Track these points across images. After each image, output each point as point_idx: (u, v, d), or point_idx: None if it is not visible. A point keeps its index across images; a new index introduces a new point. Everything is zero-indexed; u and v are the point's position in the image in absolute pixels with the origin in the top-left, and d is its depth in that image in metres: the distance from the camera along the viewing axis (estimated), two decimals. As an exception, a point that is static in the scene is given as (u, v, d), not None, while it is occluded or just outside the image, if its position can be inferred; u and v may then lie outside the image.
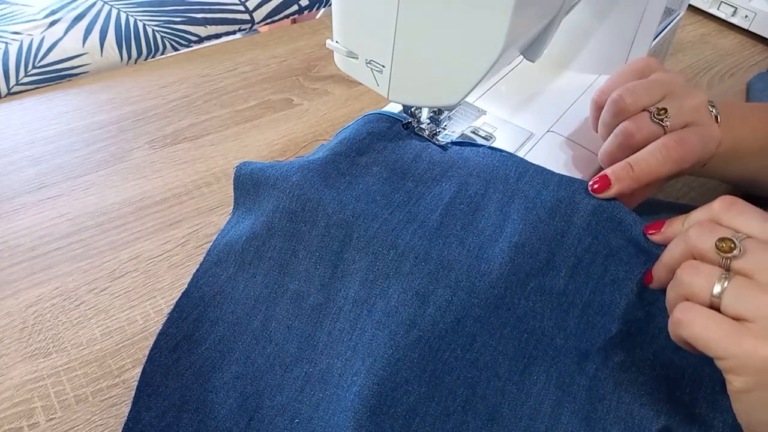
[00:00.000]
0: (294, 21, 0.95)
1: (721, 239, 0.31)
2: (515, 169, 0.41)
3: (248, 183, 0.45)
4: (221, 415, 0.38)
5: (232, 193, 0.48)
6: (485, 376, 0.35)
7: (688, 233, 0.33)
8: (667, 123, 0.40)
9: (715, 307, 0.30)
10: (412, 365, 0.36)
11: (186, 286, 0.44)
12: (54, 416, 0.39)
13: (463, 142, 0.45)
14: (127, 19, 0.75)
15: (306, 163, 0.43)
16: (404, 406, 0.35)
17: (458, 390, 0.36)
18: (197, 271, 0.44)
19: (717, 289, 0.30)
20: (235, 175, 0.46)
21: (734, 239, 0.31)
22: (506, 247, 0.37)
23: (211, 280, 0.43)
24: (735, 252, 0.30)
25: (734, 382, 0.29)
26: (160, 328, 0.41)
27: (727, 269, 0.30)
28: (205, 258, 0.45)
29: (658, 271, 0.36)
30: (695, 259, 0.32)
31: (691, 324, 0.30)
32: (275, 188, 0.42)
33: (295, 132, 0.62)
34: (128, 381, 0.40)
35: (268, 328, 0.41)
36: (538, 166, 0.42)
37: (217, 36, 0.81)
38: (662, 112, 0.40)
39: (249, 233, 0.43)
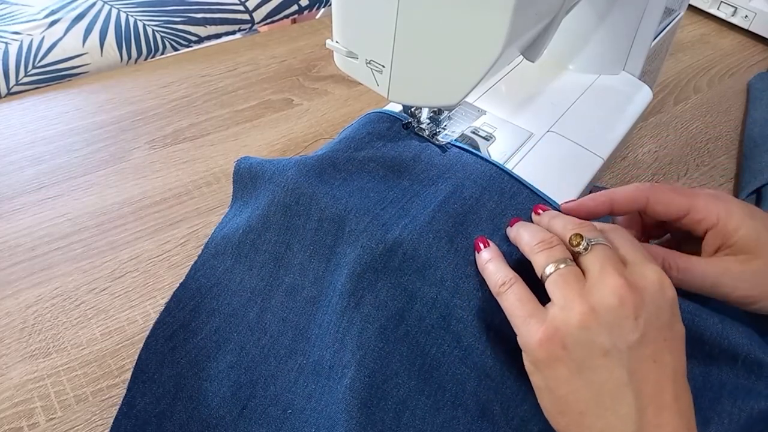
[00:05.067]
0: (294, 21, 0.95)
1: (576, 234, 0.33)
2: (511, 186, 0.41)
3: (246, 177, 0.46)
4: (215, 403, 0.38)
5: (232, 191, 0.48)
6: (476, 374, 0.35)
7: (559, 221, 0.36)
8: None
9: (543, 282, 0.32)
10: (401, 358, 0.36)
11: (184, 277, 0.44)
12: (54, 416, 0.39)
13: (464, 148, 0.45)
14: (127, 19, 0.75)
15: (303, 159, 0.43)
16: (395, 399, 0.35)
17: (447, 386, 0.36)
18: (195, 262, 0.45)
19: (549, 268, 0.32)
20: (234, 169, 0.47)
21: (586, 238, 0.33)
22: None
23: (209, 272, 0.44)
24: (580, 248, 0.32)
25: (524, 360, 0.32)
26: (158, 316, 0.42)
27: (578, 264, 0.33)
28: (203, 250, 0.45)
29: (518, 236, 0.36)
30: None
31: (506, 295, 0.33)
32: (271, 182, 0.43)
33: (295, 132, 0.62)
34: (128, 381, 0.40)
35: (263, 320, 0.41)
36: (533, 190, 0.42)
37: (217, 36, 0.81)
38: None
39: (246, 226, 0.43)
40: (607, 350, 0.29)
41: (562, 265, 0.32)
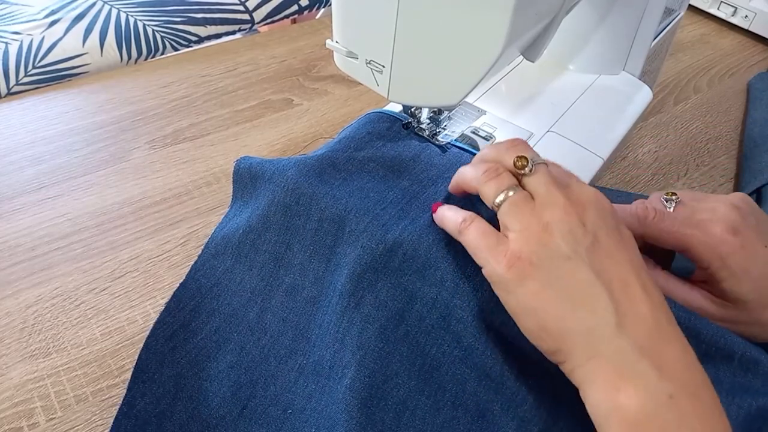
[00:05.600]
0: (294, 21, 0.95)
1: (519, 157, 0.34)
2: None
3: (246, 177, 0.46)
4: (215, 403, 0.38)
5: (232, 191, 0.48)
6: (476, 374, 0.35)
7: (497, 149, 0.36)
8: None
9: (496, 211, 0.34)
10: (401, 358, 0.36)
11: (184, 277, 0.44)
12: (54, 416, 0.39)
13: (464, 148, 0.45)
14: (127, 19, 0.75)
15: (303, 159, 0.43)
16: (395, 399, 0.35)
17: (447, 386, 0.36)
18: (195, 262, 0.45)
19: (499, 198, 0.33)
20: (234, 169, 0.47)
21: (530, 160, 0.34)
22: None
23: (209, 272, 0.44)
24: (526, 170, 0.34)
25: (495, 290, 0.33)
26: (158, 316, 0.42)
27: (522, 185, 0.34)
28: (203, 250, 0.45)
29: (462, 173, 0.37)
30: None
31: (468, 231, 0.34)
32: (271, 182, 0.43)
33: (295, 132, 0.62)
34: (128, 381, 0.40)
35: (263, 320, 0.41)
36: None
37: (217, 36, 0.81)
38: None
39: (246, 226, 0.43)
40: (569, 256, 0.31)
41: (511, 192, 0.33)
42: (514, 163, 0.34)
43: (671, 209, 0.39)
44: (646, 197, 0.41)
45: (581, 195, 0.33)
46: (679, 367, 0.29)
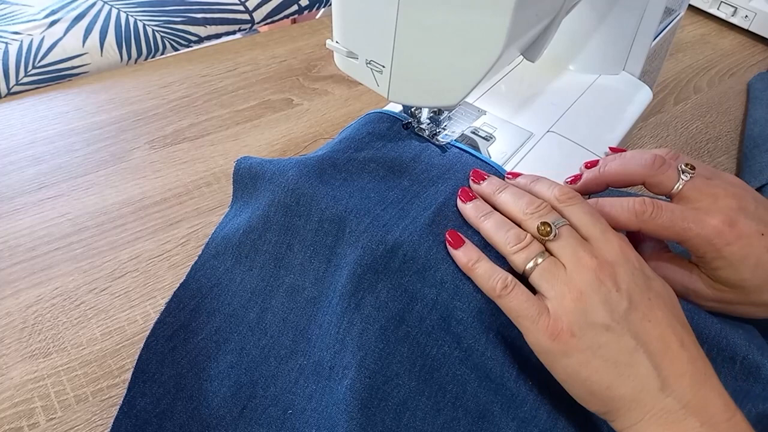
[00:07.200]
0: (294, 21, 0.95)
1: (543, 223, 0.35)
2: None
3: (246, 177, 0.46)
4: (215, 403, 0.38)
5: (232, 191, 0.48)
6: (476, 375, 0.36)
7: (517, 203, 0.37)
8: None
9: (527, 276, 0.35)
10: (402, 359, 0.36)
11: (184, 277, 0.44)
12: (54, 416, 0.39)
13: (464, 148, 0.45)
14: (127, 19, 0.75)
15: (303, 159, 0.43)
16: (395, 400, 0.35)
17: (448, 387, 0.36)
18: (196, 262, 0.45)
19: (530, 264, 0.35)
20: (234, 168, 0.47)
21: (553, 225, 0.35)
22: (493, 256, 0.37)
23: (209, 272, 0.44)
24: (550, 237, 0.35)
25: (542, 359, 0.33)
26: (158, 316, 0.42)
27: (547, 249, 0.35)
28: (203, 250, 0.45)
29: (489, 233, 0.37)
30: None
31: (510, 297, 0.34)
32: (272, 182, 0.43)
33: (295, 132, 0.62)
34: (128, 381, 0.40)
35: (263, 321, 0.41)
36: None
37: (217, 36, 0.81)
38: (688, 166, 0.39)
39: (246, 226, 0.43)
40: (608, 325, 0.32)
41: (540, 260, 0.34)
42: (538, 229, 0.35)
43: (686, 180, 0.38)
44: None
45: (608, 253, 0.34)
46: (721, 416, 0.30)
